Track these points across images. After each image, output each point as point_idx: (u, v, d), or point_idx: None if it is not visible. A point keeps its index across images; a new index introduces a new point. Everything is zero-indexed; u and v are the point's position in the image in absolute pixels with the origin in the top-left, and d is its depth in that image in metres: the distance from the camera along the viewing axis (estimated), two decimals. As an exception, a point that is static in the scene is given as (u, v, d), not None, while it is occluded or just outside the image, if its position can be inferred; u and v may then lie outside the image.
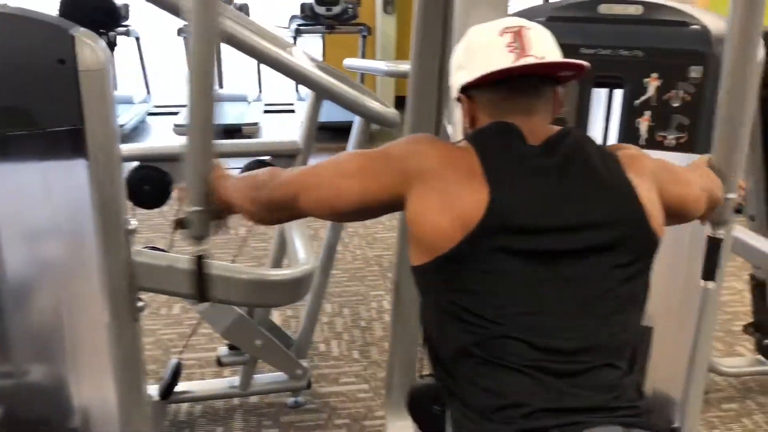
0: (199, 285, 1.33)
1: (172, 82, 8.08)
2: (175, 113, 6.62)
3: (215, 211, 1.32)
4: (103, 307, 1.50)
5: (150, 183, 2.15)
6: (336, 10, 6.51)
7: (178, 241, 3.83)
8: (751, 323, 2.66)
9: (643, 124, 1.68)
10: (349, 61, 3.10)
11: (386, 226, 4.32)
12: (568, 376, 1.03)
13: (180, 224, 1.32)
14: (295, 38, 6.50)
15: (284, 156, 2.24)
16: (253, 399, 2.55)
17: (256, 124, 6.26)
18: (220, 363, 2.43)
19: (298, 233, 1.88)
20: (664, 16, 1.68)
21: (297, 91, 7.24)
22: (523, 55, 1.10)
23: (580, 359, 1.04)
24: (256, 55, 1.89)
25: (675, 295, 1.90)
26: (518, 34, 1.12)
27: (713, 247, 1.45)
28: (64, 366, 1.55)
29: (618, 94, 1.72)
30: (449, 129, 1.82)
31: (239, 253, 3.73)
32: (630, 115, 1.69)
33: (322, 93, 2.09)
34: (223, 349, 2.44)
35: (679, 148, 1.65)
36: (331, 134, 6.18)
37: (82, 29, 1.38)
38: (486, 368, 1.05)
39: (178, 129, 6.12)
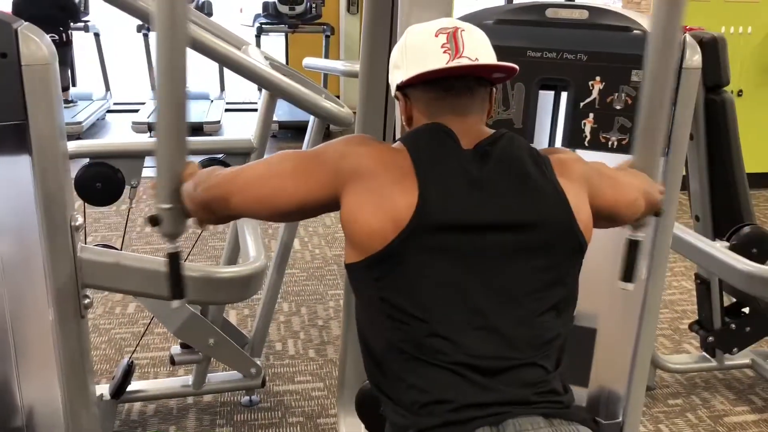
0: (173, 283, 1.29)
1: (133, 79, 7.99)
2: (135, 110, 6.55)
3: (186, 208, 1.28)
4: (48, 304, 1.48)
5: (101, 180, 2.13)
6: (299, 9, 6.51)
7: (133, 240, 3.80)
8: (697, 321, 2.73)
9: (588, 125, 1.73)
10: (308, 61, 3.10)
11: (346, 225, 4.33)
12: (491, 373, 1.05)
13: (153, 221, 1.27)
14: (258, 37, 6.48)
15: (239, 154, 2.24)
16: (207, 398, 2.54)
17: (218, 122, 6.23)
18: (173, 362, 2.41)
19: (251, 231, 1.89)
20: (607, 21, 1.72)
21: (259, 89, 7.21)
22: (456, 56, 1.13)
23: (503, 357, 1.07)
24: (207, 53, 1.88)
25: (618, 293, 1.94)
26: (453, 36, 1.14)
27: (633, 249, 1.45)
28: (8, 364, 1.53)
29: (564, 96, 1.76)
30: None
31: (198, 251, 3.73)
32: (575, 116, 1.73)
33: (275, 92, 2.09)
34: (176, 348, 2.42)
35: (620, 149, 1.69)
36: (293, 133, 6.19)
37: (26, 23, 1.37)
38: (413, 365, 1.08)
39: (137, 126, 6.06)
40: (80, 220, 1.49)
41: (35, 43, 1.35)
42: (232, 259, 2.42)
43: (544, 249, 1.12)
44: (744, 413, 2.56)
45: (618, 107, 1.69)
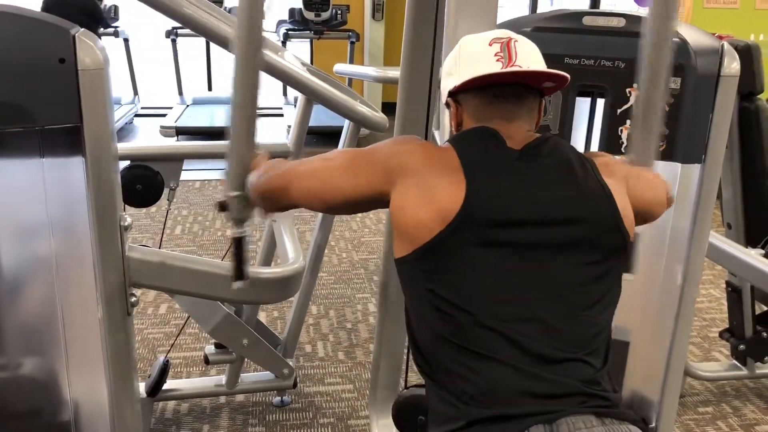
0: (237, 264, 1.41)
1: (160, 84, 8.09)
2: (163, 115, 6.63)
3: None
4: (97, 302, 1.53)
5: (142, 182, 2.17)
6: (325, 15, 6.57)
7: (164, 242, 3.82)
8: (727, 329, 2.73)
9: (625, 132, 1.74)
10: (339, 67, 3.15)
11: (372, 230, 4.37)
12: (539, 363, 1.08)
13: (221, 207, 1.38)
14: (283, 43, 6.54)
15: (276, 158, 2.27)
16: (240, 397, 2.58)
17: (244, 127, 6.28)
18: (207, 361, 2.45)
19: (288, 232, 1.92)
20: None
21: (284, 95, 7.28)
22: (509, 64, 1.17)
23: (550, 348, 1.09)
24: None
25: (653, 300, 1.96)
26: (506, 45, 1.18)
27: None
28: (57, 359, 1.57)
29: (601, 102, 1.78)
30: (437, 135, 1.87)
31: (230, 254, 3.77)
32: (612, 123, 1.75)
33: (313, 96, 2.13)
34: (210, 348, 2.46)
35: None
36: (318, 138, 6.24)
37: (83, 30, 1.42)
38: (461, 355, 1.10)
39: (164, 130, 6.13)
40: (129, 221, 1.54)
41: (91, 49, 1.39)
42: (267, 261, 2.46)
43: (589, 245, 1.15)
44: (775, 422, 2.55)
45: (655, 114, 1.71)
